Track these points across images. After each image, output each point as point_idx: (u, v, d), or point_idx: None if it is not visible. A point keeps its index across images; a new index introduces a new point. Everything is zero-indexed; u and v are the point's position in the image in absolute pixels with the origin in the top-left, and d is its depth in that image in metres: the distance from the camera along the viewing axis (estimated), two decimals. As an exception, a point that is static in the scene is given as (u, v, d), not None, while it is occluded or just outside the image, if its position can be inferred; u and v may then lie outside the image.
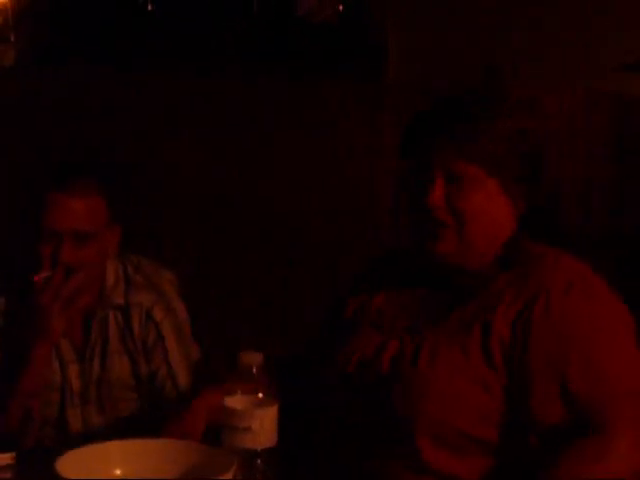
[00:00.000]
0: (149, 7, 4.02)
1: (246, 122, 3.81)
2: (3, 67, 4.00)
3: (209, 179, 3.84)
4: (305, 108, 3.77)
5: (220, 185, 3.83)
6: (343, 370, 1.92)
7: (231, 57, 3.98)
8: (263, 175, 3.81)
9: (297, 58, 3.88)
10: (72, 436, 2.43)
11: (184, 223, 3.84)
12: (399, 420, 1.81)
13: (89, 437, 2.34)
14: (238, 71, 3.88)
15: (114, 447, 1.79)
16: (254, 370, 1.73)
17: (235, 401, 1.72)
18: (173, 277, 2.53)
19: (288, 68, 3.85)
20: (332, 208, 3.77)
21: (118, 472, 1.73)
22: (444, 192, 1.85)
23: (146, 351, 2.45)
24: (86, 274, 2.37)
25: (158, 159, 3.81)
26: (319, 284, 3.74)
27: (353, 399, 1.89)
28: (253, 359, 1.73)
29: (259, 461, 1.72)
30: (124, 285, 2.47)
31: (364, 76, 3.85)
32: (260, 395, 1.73)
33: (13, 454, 1.81)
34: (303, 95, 3.77)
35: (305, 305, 3.74)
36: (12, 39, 3.98)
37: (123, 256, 2.51)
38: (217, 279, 3.71)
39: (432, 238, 1.88)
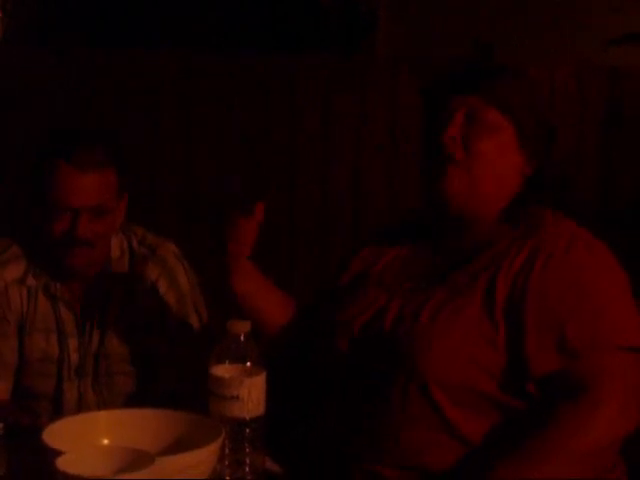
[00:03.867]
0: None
1: (236, 106, 3.81)
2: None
3: (196, 166, 3.84)
4: (294, 86, 3.76)
5: (205, 174, 3.84)
6: (348, 331, 1.94)
7: (219, 37, 3.97)
8: (253, 162, 3.81)
9: (286, 33, 3.87)
10: (68, 410, 2.41)
11: (172, 216, 3.83)
12: (406, 376, 1.83)
13: (84, 411, 2.35)
14: (226, 51, 3.87)
15: (102, 417, 1.79)
16: (242, 338, 1.72)
17: (223, 370, 1.71)
18: (177, 249, 2.52)
19: (277, 44, 3.84)
20: (321, 196, 3.77)
21: (106, 441, 1.73)
22: (461, 130, 1.89)
23: (147, 324, 2.45)
24: (99, 246, 2.36)
25: (142, 149, 3.81)
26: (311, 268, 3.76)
27: (359, 360, 1.91)
28: (241, 327, 1.72)
29: (247, 430, 1.71)
30: (129, 257, 2.46)
31: (354, 50, 3.84)
32: (248, 363, 1.72)
33: (1, 425, 1.79)
34: (293, 72, 3.77)
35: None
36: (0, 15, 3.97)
37: (127, 228, 2.49)
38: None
39: (442, 175, 1.89)
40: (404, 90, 3.60)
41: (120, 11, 4.23)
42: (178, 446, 1.71)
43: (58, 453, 1.53)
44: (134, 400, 2.41)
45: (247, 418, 1.71)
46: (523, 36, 3.74)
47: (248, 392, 1.70)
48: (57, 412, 2.40)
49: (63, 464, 1.49)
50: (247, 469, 1.73)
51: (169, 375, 2.44)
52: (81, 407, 2.43)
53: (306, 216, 3.79)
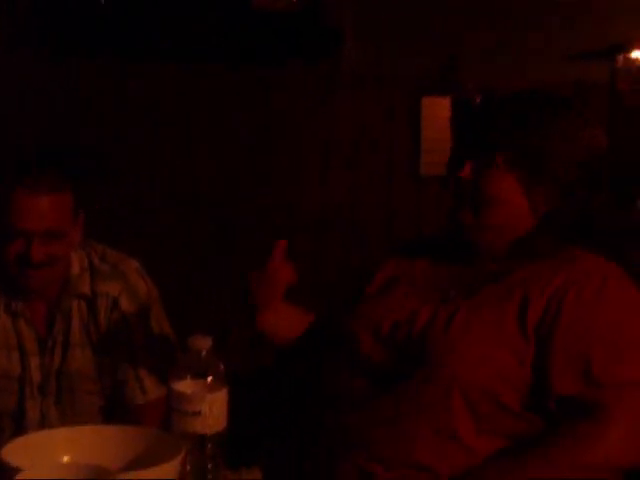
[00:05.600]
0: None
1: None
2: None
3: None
4: (258, 98, 3.77)
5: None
6: (376, 330, 1.97)
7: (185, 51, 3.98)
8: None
9: (252, 49, 3.88)
10: (31, 428, 2.39)
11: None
12: (429, 381, 1.86)
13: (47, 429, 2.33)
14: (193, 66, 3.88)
15: (61, 434, 1.77)
16: (203, 354, 1.72)
17: (184, 385, 1.70)
18: (139, 265, 2.51)
19: (243, 61, 3.85)
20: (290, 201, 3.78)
21: (66, 458, 1.71)
22: (472, 173, 1.95)
23: (110, 341, 2.43)
24: (56, 266, 2.35)
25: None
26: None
27: (381, 357, 1.94)
28: (202, 343, 1.72)
29: (209, 445, 1.71)
30: (89, 275, 2.44)
31: (320, 63, 3.86)
32: (209, 379, 1.71)
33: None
34: (258, 85, 3.78)
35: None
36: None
37: (88, 245, 2.48)
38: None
39: (456, 208, 1.98)
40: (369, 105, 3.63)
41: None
42: (139, 462, 1.69)
43: (18, 471, 1.52)
44: (98, 418, 2.40)
45: (208, 434, 1.70)
46: (487, 52, 3.77)
47: (209, 408, 1.69)
48: (20, 430, 2.38)
49: (22, 482, 1.48)
50: (209, 485, 1.72)
51: (133, 392, 2.43)
52: (44, 425, 2.41)
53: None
